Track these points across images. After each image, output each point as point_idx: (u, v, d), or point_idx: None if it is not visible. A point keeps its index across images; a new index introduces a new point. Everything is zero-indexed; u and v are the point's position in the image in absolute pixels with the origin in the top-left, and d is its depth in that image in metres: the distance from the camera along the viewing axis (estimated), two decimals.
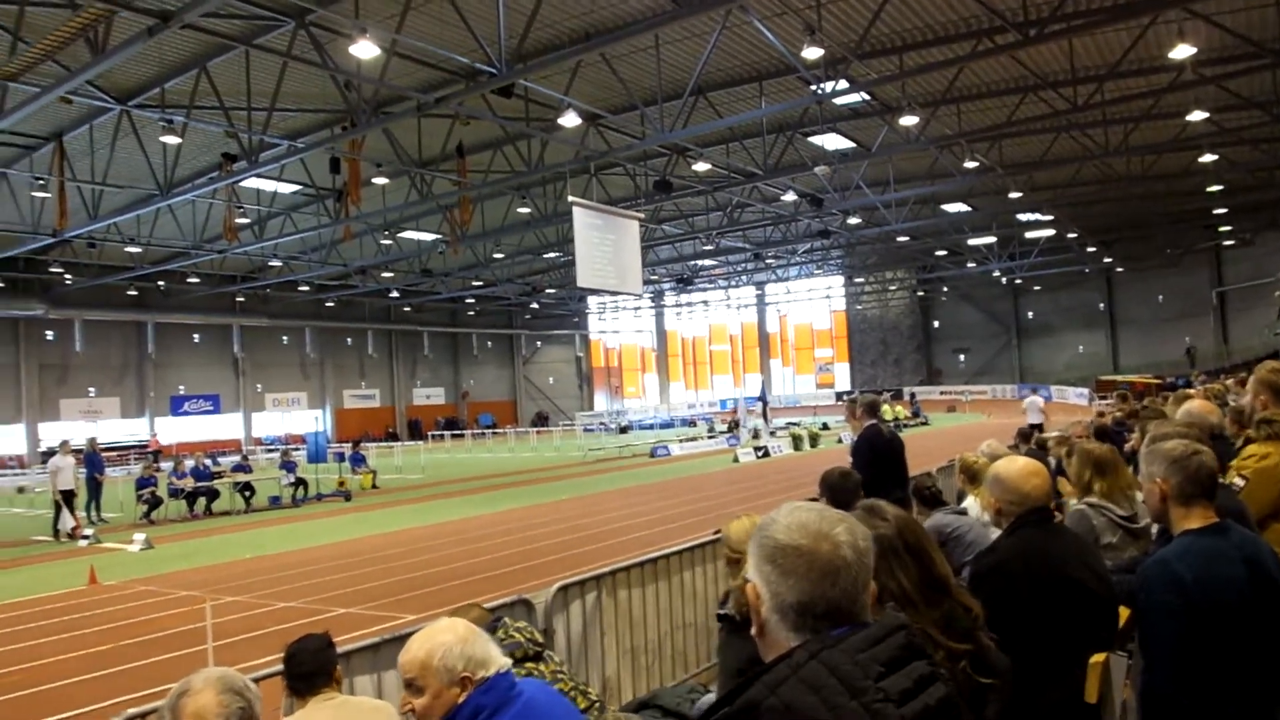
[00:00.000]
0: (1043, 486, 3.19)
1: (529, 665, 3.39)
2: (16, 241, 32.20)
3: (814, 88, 18.84)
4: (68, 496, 17.86)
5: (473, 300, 58.08)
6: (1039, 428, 16.65)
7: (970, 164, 26.05)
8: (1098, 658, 2.92)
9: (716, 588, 6.48)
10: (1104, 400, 33.50)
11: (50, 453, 22.44)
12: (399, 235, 36.31)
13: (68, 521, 17.76)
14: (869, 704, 1.39)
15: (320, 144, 23.17)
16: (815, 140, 26.05)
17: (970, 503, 5.53)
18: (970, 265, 50.62)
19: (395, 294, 51.94)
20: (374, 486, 24.71)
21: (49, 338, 44.62)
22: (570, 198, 22.98)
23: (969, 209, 36.73)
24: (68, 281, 40.56)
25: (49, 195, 26.21)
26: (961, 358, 60.47)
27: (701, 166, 27.09)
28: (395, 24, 16.72)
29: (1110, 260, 49.33)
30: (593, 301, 65.47)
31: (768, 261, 50.50)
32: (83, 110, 22.29)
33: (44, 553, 16.20)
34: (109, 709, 6.55)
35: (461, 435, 52.45)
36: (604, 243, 21.47)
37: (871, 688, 1.40)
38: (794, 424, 38.69)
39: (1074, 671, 2.90)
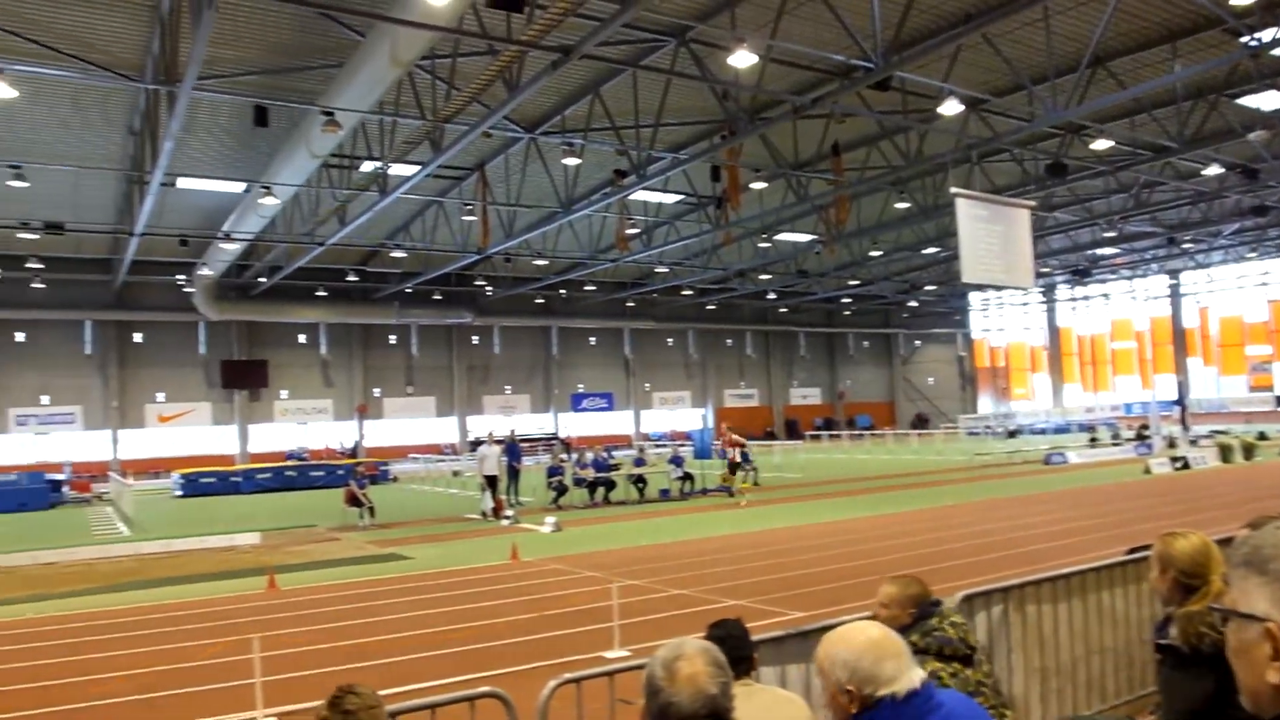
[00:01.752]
0: None
1: (956, 665, 3.18)
2: (450, 259, 37.31)
3: (1245, 39, 16.29)
4: (492, 480, 20.30)
5: (849, 300, 57.61)
6: None
7: None
8: None
9: (1140, 611, 5.78)
10: None
11: (478, 442, 25.68)
12: (776, 237, 36.93)
13: (488, 502, 20.22)
14: None
15: (701, 154, 24.25)
16: (1247, 102, 22.54)
17: None
18: None
19: (772, 295, 53.01)
20: (755, 484, 25.32)
21: (474, 342, 51.28)
22: (952, 189, 21.93)
23: None
24: (489, 293, 46.35)
25: (474, 218, 30.09)
26: None
27: (1101, 144, 24.52)
28: (770, 30, 17.00)
29: None
30: (975, 298, 62.03)
31: (1184, 246, 44.60)
32: (499, 142, 25.23)
33: (473, 529, 18.52)
34: (535, 671, 7.28)
35: (838, 435, 52.19)
36: (990, 234, 20.18)
37: None
38: (1220, 432, 33.76)
39: None
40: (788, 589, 10.75)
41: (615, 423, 54.95)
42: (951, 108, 19.55)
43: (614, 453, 27.91)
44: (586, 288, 48.70)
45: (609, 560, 13.47)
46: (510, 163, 27.13)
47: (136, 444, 43.03)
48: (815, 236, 35.90)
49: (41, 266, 36.25)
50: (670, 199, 31.67)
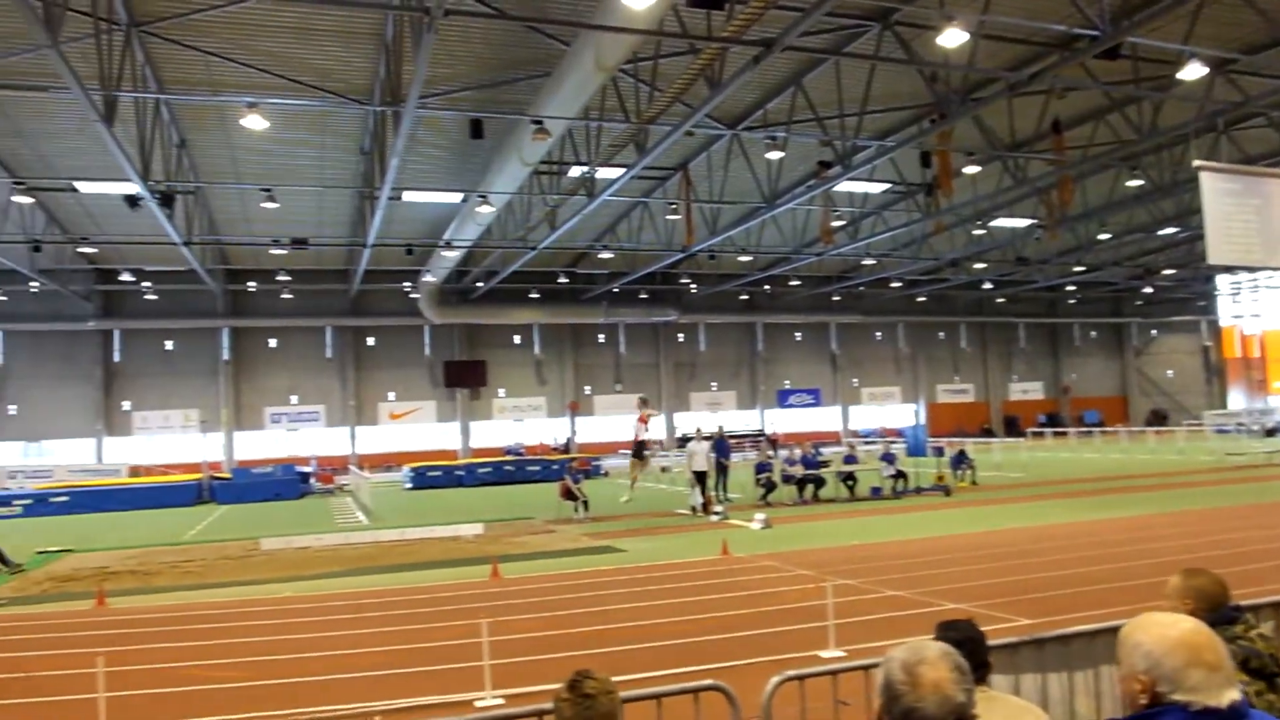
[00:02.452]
0: None
1: (1259, 684, 2.85)
2: (656, 259, 37.94)
3: None
4: (700, 477, 20.39)
5: (1073, 287, 53.86)
6: None
7: None
8: None
9: None
10: None
11: (686, 438, 25.95)
12: (991, 224, 35.11)
13: (697, 498, 20.34)
14: None
15: (910, 140, 23.38)
16: None
17: None
18: None
19: (988, 285, 50.41)
20: (973, 483, 24.16)
21: (680, 340, 51.90)
22: (1195, 162, 19.99)
23: None
24: (693, 290, 46.80)
25: (678, 217, 30.43)
26: None
27: None
28: (982, 4, 16.17)
29: None
30: (1224, 281, 56.38)
31: None
32: (701, 140, 25.37)
33: (683, 524, 18.72)
34: (753, 666, 7.24)
35: (1064, 433, 48.96)
36: (1243, 210, 18.19)
37: None
38: None
39: None
40: (1013, 594, 10.16)
41: (823, 419, 54.07)
42: (1193, 72, 17.85)
43: (822, 449, 27.39)
44: (791, 283, 48.18)
45: (820, 558, 13.24)
46: (713, 160, 27.24)
47: (371, 439, 46.64)
48: (1035, 221, 33.80)
49: (289, 279, 40.01)
50: (877, 188, 30.75)
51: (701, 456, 20.44)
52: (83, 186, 26.74)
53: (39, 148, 24.88)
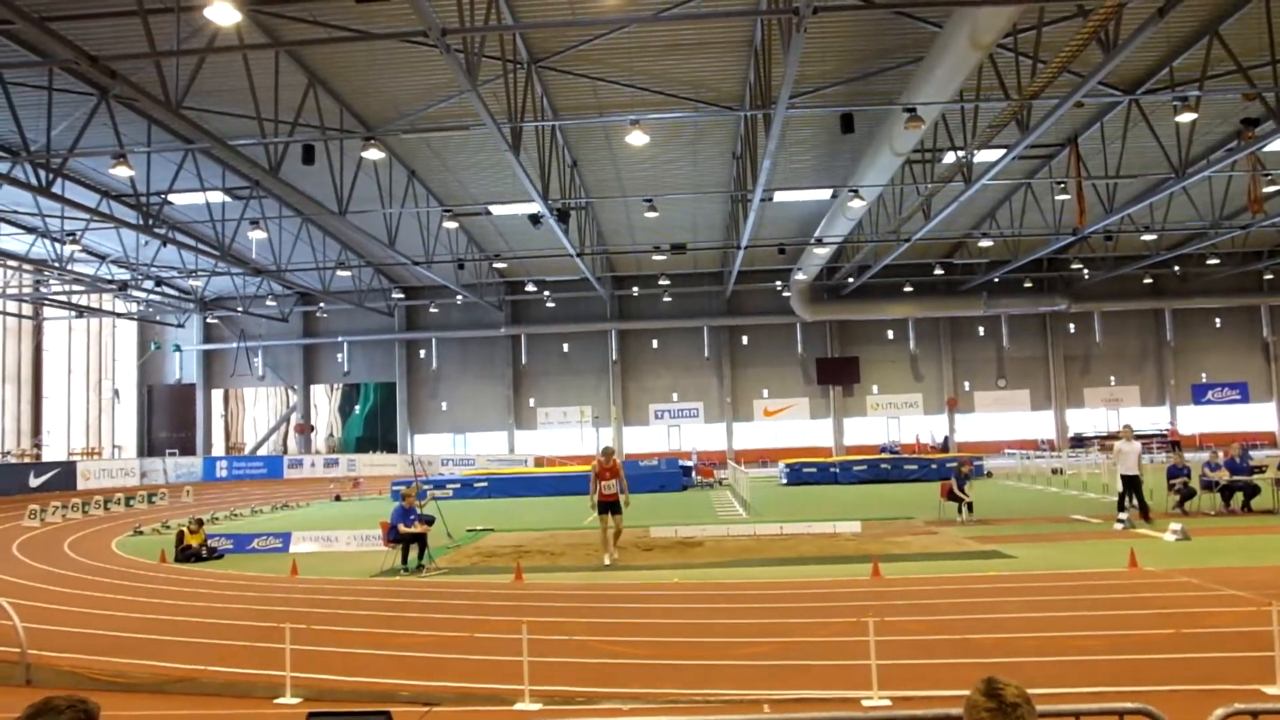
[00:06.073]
0: None
1: None
2: (1041, 244, 35.21)
3: None
4: (1133, 481, 17.79)
5: None
6: None
7: None
8: None
9: None
10: None
11: (1079, 438, 23.58)
12: None
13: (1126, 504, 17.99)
14: None
15: None
16: None
17: None
18: None
19: None
20: None
21: (1071, 330, 47.69)
22: None
23: None
24: (1085, 276, 42.79)
25: (1067, 196, 27.97)
26: None
27: None
28: None
29: None
30: None
31: None
32: (1092, 110, 23.19)
33: (1078, 531, 17.14)
34: (1179, 694, 6.48)
35: None
36: None
37: None
38: None
39: None
40: None
41: (1251, 418, 46.85)
42: None
43: (1251, 452, 23.60)
44: (1208, 261, 42.33)
45: (1256, 578, 11.44)
46: (1107, 130, 24.74)
47: (747, 435, 48.08)
48: None
49: (668, 283, 42.48)
50: None
51: (1133, 457, 17.80)
52: (495, 209, 30.43)
53: (461, 179, 28.69)
